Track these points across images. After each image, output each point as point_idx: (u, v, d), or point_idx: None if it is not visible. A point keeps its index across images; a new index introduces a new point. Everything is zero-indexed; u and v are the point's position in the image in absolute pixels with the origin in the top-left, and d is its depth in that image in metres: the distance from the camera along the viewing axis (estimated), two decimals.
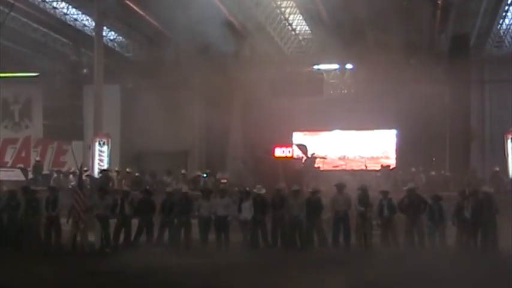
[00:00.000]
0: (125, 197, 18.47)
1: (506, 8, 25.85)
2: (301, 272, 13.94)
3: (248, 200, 18.26)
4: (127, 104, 30.67)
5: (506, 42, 29.00)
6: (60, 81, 30.42)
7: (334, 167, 28.89)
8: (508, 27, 28.03)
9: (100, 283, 13.25)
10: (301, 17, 27.38)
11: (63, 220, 18.18)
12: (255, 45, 28.22)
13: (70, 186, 22.27)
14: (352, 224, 17.92)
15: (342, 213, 17.90)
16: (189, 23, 21.08)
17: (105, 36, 28.73)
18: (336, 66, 30.43)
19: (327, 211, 18.22)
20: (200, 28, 21.36)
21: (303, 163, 25.75)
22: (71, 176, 24.61)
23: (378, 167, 26.86)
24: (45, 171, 26.77)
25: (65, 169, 26.63)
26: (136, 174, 24.83)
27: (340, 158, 30.08)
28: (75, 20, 27.95)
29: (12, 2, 21.94)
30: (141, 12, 25.51)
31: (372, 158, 29.65)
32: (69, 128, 29.41)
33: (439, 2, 23.63)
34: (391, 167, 26.51)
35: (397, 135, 29.78)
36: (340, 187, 18.36)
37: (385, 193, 18.25)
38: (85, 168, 22.53)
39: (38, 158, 29.14)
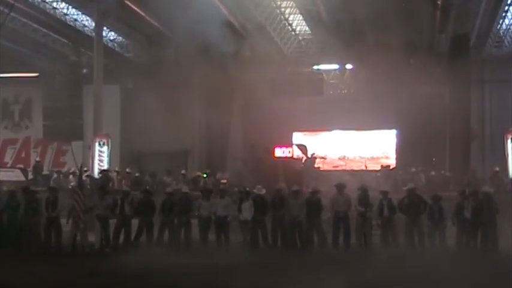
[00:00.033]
0: (125, 197, 18.47)
1: (506, 8, 25.85)
2: (301, 272, 13.94)
3: (248, 200, 18.26)
4: (127, 104, 30.68)
5: (506, 42, 29.00)
6: (60, 82, 30.41)
7: (334, 167, 28.88)
8: (508, 27, 28.03)
9: (100, 283, 13.25)
10: (301, 17, 27.38)
11: (63, 220, 18.17)
12: (255, 45, 28.21)
13: (70, 187, 22.30)
14: (352, 224, 17.92)
15: (342, 214, 17.90)
16: (189, 23, 21.07)
17: (105, 37, 28.72)
18: (335, 66, 30.44)
19: (326, 211, 18.22)
20: (200, 28, 21.35)
21: (303, 163, 25.74)
22: (70, 176, 24.63)
23: (378, 167, 26.87)
24: (45, 172, 26.82)
25: (64, 169, 26.66)
26: (136, 174, 24.85)
27: (340, 158, 30.08)
28: (75, 20, 27.93)
29: (12, 2, 21.94)
30: (141, 13, 25.51)
31: (372, 158, 29.66)
32: (69, 129, 29.41)
33: (439, 2, 23.62)
34: (391, 167, 26.52)
35: (397, 136, 29.79)
36: (340, 187, 18.37)
37: (385, 193, 18.25)
38: (85, 169, 22.53)
39: (37, 159, 29.17)
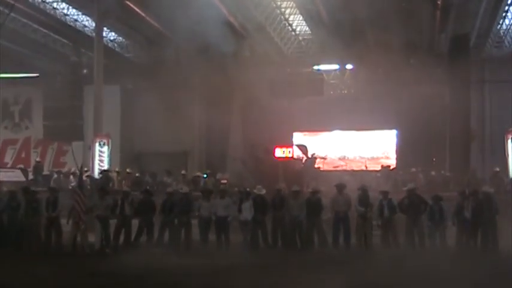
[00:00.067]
0: (125, 197, 18.47)
1: (506, 8, 25.84)
2: (301, 273, 13.95)
3: (248, 201, 18.26)
4: (127, 104, 30.71)
5: (506, 43, 29.00)
6: (60, 82, 30.38)
7: (334, 167, 28.89)
8: (508, 27, 28.02)
9: (100, 284, 13.25)
10: (301, 18, 27.38)
11: (63, 221, 18.18)
12: (255, 45, 28.23)
13: (70, 187, 22.30)
14: (353, 225, 17.92)
15: (342, 214, 17.90)
16: (189, 24, 21.08)
17: (105, 37, 28.73)
18: (336, 66, 30.45)
19: (327, 211, 18.22)
20: (200, 28, 21.36)
21: (303, 163, 25.76)
22: (71, 176, 24.62)
23: (378, 168, 26.87)
24: (46, 172, 26.81)
25: (65, 170, 26.66)
26: (137, 174, 24.86)
27: (340, 159, 30.09)
28: (76, 20, 27.93)
29: (13, 2, 21.95)
30: (141, 13, 25.52)
31: (372, 158, 29.66)
32: (69, 129, 29.36)
33: (439, 2, 23.63)
34: (391, 168, 26.51)
35: (397, 136, 29.79)
36: (340, 187, 18.37)
37: (385, 193, 18.25)
38: (85, 169, 22.54)
39: (38, 159, 29.16)
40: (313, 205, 18.10)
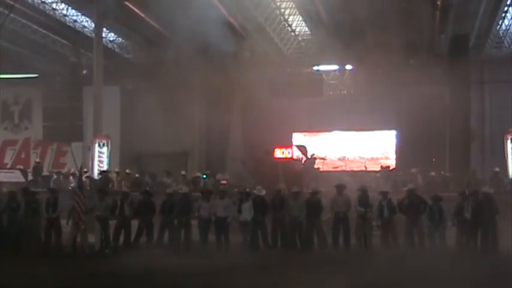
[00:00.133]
0: (124, 198, 18.46)
1: (506, 8, 25.85)
2: (301, 273, 13.94)
3: (248, 201, 18.25)
4: (127, 105, 30.70)
5: (506, 43, 29.01)
6: (59, 83, 30.42)
7: (334, 167, 28.88)
8: (508, 27, 28.03)
9: (100, 284, 13.26)
10: (300, 18, 27.38)
11: (63, 221, 18.17)
12: (254, 46, 28.23)
13: (70, 188, 22.29)
14: (352, 225, 17.91)
15: (342, 214, 17.89)
16: (188, 24, 21.08)
17: (105, 38, 28.72)
18: (335, 67, 30.45)
19: (326, 212, 18.21)
20: (200, 29, 21.36)
21: (303, 164, 25.73)
22: (70, 177, 24.61)
23: (378, 168, 26.84)
24: (45, 173, 26.79)
25: (64, 170, 26.66)
26: (136, 175, 24.84)
27: (340, 159, 30.08)
28: (75, 21, 27.91)
29: (12, 3, 21.94)
30: (140, 14, 25.51)
31: (372, 158, 29.64)
32: (68, 129, 29.41)
33: (439, 2, 23.63)
34: (391, 168, 26.49)
35: (397, 136, 29.78)
36: (340, 188, 18.36)
37: (384, 194, 18.25)
38: (85, 170, 22.53)
39: (37, 160, 29.15)
40: (313, 206, 18.09)
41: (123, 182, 24.23)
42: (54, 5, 26.49)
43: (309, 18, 26.40)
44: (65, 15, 27.34)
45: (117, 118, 29.99)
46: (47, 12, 26.49)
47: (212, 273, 14.07)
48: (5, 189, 20.20)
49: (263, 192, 18.46)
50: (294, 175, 22.67)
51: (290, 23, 28.05)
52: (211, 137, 30.06)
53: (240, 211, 18.18)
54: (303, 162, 26.06)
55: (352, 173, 26.49)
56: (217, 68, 25.57)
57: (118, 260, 15.94)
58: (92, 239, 18.23)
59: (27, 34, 28.06)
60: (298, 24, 28.30)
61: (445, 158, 27.85)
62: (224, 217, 18.13)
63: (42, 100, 31.48)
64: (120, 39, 30.60)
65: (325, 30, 25.81)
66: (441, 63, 27.66)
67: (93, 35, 27.04)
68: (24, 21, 27.00)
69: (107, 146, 26.00)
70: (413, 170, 24.57)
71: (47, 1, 26.09)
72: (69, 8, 27.05)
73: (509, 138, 24.48)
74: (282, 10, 26.66)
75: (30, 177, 26.14)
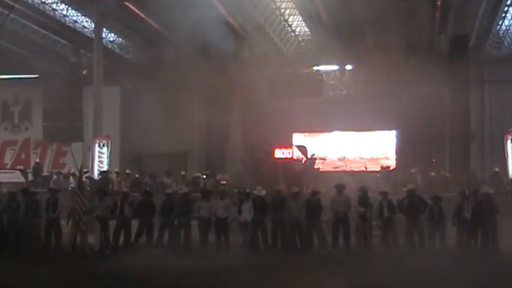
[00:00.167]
0: (124, 198, 18.46)
1: (506, 8, 25.86)
2: (301, 273, 13.93)
3: (248, 202, 18.24)
4: (127, 105, 30.71)
5: (506, 43, 29.02)
6: (59, 83, 30.39)
7: (334, 168, 28.88)
8: (507, 28, 28.05)
9: (100, 285, 13.26)
10: (300, 18, 27.39)
11: (63, 222, 18.16)
12: (254, 46, 28.24)
13: (70, 188, 22.29)
14: (352, 225, 17.91)
15: (342, 214, 17.89)
16: (188, 24, 21.08)
17: (105, 38, 28.72)
18: (335, 67, 30.45)
19: (326, 212, 18.21)
20: (199, 29, 21.36)
21: (303, 164, 25.71)
22: (70, 177, 24.61)
23: (378, 168, 26.84)
24: (45, 173, 26.78)
25: (64, 171, 26.64)
26: (136, 175, 24.83)
27: (340, 159, 30.08)
28: (75, 21, 27.93)
29: (12, 3, 21.94)
30: (140, 14, 25.52)
31: (372, 159, 29.65)
32: (68, 130, 29.38)
33: (439, 2, 23.64)
34: (391, 168, 26.49)
35: (397, 136, 29.79)
36: (340, 188, 18.35)
37: (384, 194, 18.25)
38: (85, 170, 22.52)
39: (37, 160, 29.15)
40: (313, 206, 18.09)
41: (123, 182, 24.24)
42: (54, 6, 26.50)
43: (309, 18, 26.41)
44: (65, 16, 27.35)
45: (117, 118, 30.00)
46: (47, 12, 26.50)
47: (212, 273, 14.07)
48: (5, 190, 20.20)
49: (263, 193, 18.46)
50: (294, 175, 22.66)
51: (290, 23, 28.06)
52: (211, 137, 30.04)
53: (240, 211, 18.18)
54: (303, 162, 26.04)
55: (352, 173, 26.47)
56: (217, 68, 25.56)
57: (118, 260, 15.94)
58: (91, 239, 18.22)
59: (27, 34, 28.07)
60: (298, 24, 28.31)
61: (445, 158, 27.84)
62: (224, 217, 18.12)
63: (42, 100, 31.46)
64: (120, 39, 30.61)
65: (325, 31, 25.81)
66: (441, 63, 27.65)
67: (93, 35, 27.04)
68: (24, 21, 27.01)
69: (107, 146, 26.00)
70: (413, 170, 24.55)
71: (47, 1, 26.10)
72: (69, 8, 27.06)
73: (509, 138, 24.47)
74: (282, 10, 26.67)
75: (30, 177, 26.14)
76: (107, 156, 25.94)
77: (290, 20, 27.76)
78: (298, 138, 29.76)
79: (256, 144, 26.07)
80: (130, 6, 24.81)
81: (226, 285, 13.06)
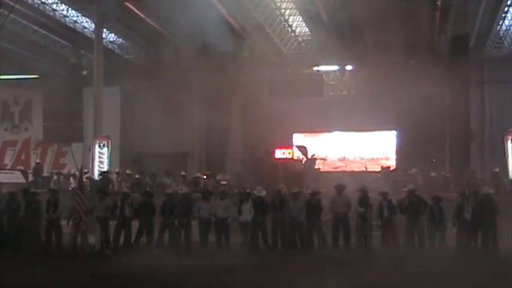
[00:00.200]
0: (125, 198, 18.45)
1: (506, 9, 25.86)
2: (301, 273, 13.92)
3: (248, 202, 18.23)
4: (127, 105, 30.73)
5: (506, 43, 29.03)
6: (60, 83, 30.42)
7: (334, 168, 28.89)
8: (508, 28, 28.05)
9: (100, 285, 13.26)
10: (300, 18, 27.40)
11: (63, 222, 18.17)
12: (254, 46, 28.24)
13: (70, 188, 22.30)
14: (352, 225, 17.91)
15: (342, 215, 17.87)
16: (188, 24, 21.09)
17: (105, 38, 28.74)
18: (335, 67, 30.48)
19: (326, 212, 18.20)
20: (199, 29, 21.36)
21: (303, 164, 25.71)
22: (71, 178, 24.61)
23: (378, 168, 26.84)
24: (45, 174, 26.80)
25: (65, 171, 26.64)
26: (136, 176, 24.83)
27: (340, 159, 30.10)
28: (75, 22, 27.94)
29: (12, 4, 21.95)
30: (140, 14, 25.53)
31: (372, 159, 29.67)
32: (69, 130, 29.41)
33: (439, 2, 23.64)
34: (391, 168, 26.49)
35: (397, 136, 29.80)
36: (340, 188, 18.34)
37: (384, 194, 18.24)
38: (85, 170, 22.53)
39: (38, 160, 29.14)
40: (313, 206, 18.07)
41: (123, 183, 24.24)
42: (54, 6, 26.52)
43: (309, 18, 26.43)
44: (65, 16, 27.36)
45: (117, 119, 30.02)
46: (47, 13, 26.51)
47: (212, 273, 14.07)
48: (5, 190, 20.20)
49: (263, 193, 18.45)
50: (294, 176, 22.66)
51: (290, 23, 28.08)
52: (211, 138, 30.05)
53: (240, 212, 18.17)
54: (303, 162, 26.05)
55: (353, 173, 26.52)
56: (217, 68, 25.56)
57: (118, 260, 15.91)
58: (92, 239, 18.21)
59: (28, 35, 28.09)
60: (298, 24, 28.33)
61: (445, 158, 27.85)
62: (224, 218, 18.12)
63: (43, 101, 31.48)
64: (120, 39, 30.63)
65: (325, 31, 25.84)
66: (441, 63, 27.66)
67: (93, 35, 27.07)
68: (25, 22, 27.03)
69: (107, 146, 26.01)
70: (413, 171, 24.57)
71: (47, 2, 26.11)
72: (70, 8, 27.08)
73: (509, 138, 24.49)
74: (282, 10, 26.69)
75: (30, 178, 26.14)
76: (107, 156, 25.96)
77: (290, 20, 27.78)
78: (298, 139, 29.77)
79: (256, 145, 26.07)
80: (131, 7, 24.83)
81: (227, 286, 13.05)
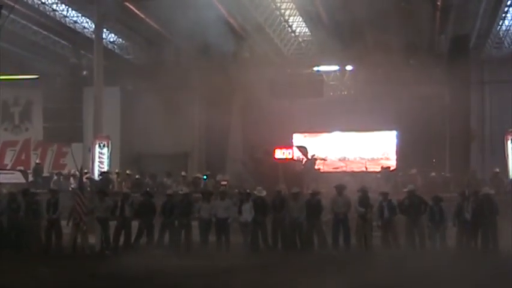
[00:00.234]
0: (125, 199, 18.45)
1: (506, 9, 25.86)
2: (301, 274, 13.93)
3: (248, 202, 18.23)
4: (127, 106, 30.72)
5: (506, 43, 29.03)
6: (60, 84, 30.42)
7: (334, 168, 28.85)
8: (508, 28, 28.05)
9: (100, 285, 13.27)
10: (300, 19, 27.40)
11: (63, 222, 18.16)
12: (254, 46, 28.24)
13: (70, 189, 22.29)
14: (352, 226, 17.90)
15: (342, 215, 17.87)
16: (188, 25, 21.09)
17: (105, 39, 28.74)
18: (335, 67, 30.48)
19: (326, 213, 18.20)
20: (200, 29, 21.36)
21: (303, 165, 25.71)
22: (71, 178, 24.59)
23: (378, 169, 26.82)
24: (45, 174, 26.77)
25: (65, 171, 26.62)
26: (137, 176, 24.82)
27: (340, 160, 30.08)
28: (75, 22, 27.94)
29: (12, 4, 21.94)
30: (140, 15, 25.53)
31: (372, 159, 29.65)
32: (69, 130, 29.40)
33: (439, 3, 23.64)
34: (392, 169, 26.47)
35: (397, 137, 29.78)
36: (340, 189, 18.33)
37: (385, 194, 18.23)
38: (85, 171, 22.52)
39: (38, 161, 29.11)
40: (313, 206, 18.07)
41: (123, 183, 24.23)
42: (54, 6, 26.51)
43: (309, 18, 26.43)
44: (65, 16, 27.36)
45: (117, 119, 30.01)
46: (47, 13, 26.50)
47: (213, 274, 14.07)
48: (5, 191, 20.19)
49: (263, 193, 18.45)
50: (294, 176, 22.66)
51: (290, 23, 28.08)
52: (211, 138, 30.05)
53: (240, 212, 18.17)
54: (303, 163, 26.04)
55: (353, 173, 26.48)
56: (217, 69, 25.58)
57: (118, 261, 15.91)
58: (92, 240, 18.21)
59: (28, 35, 28.07)
60: (298, 25, 28.33)
61: (445, 158, 27.85)
62: (224, 218, 18.12)
63: (43, 101, 31.47)
64: (120, 40, 30.63)
65: (325, 31, 25.84)
66: (441, 63, 27.67)
67: (93, 36, 27.07)
68: (25, 22, 27.01)
69: (107, 146, 26.02)
70: (413, 171, 24.53)
71: (47, 2, 26.10)
72: (70, 9, 27.08)
73: (509, 139, 24.49)
74: (282, 11, 26.69)
75: (30, 178, 26.12)
76: (107, 156, 25.97)
77: (290, 20, 27.78)
78: (298, 139, 29.75)
79: (257, 145, 26.05)
80: (131, 7, 24.84)
81: (227, 286, 13.06)
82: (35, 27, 27.87)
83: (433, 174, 24.32)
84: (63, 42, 29.73)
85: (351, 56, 27.53)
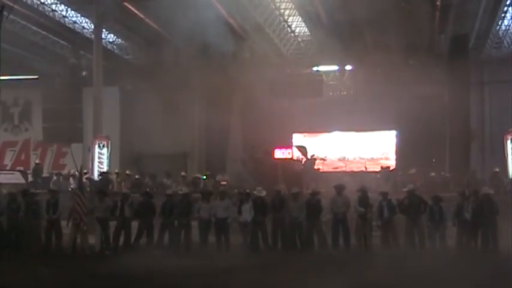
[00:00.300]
0: (124, 199, 18.45)
1: (505, 9, 25.86)
2: (301, 274, 13.93)
3: (248, 202, 18.23)
4: (126, 106, 30.73)
5: (506, 43, 29.02)
6: (59, 84, 30.42)
7: (334, 168, 28.84)
8: (507, 28, 28.05)
9: (100, 285, 13.26)
10: (300, 19, 27.40)
11: (63, 223, 18.16)
12: (254, 46, 28.25)
13: (70, 189, 22.29)
14: (352, 226, 17.90)
15: (341, 215, 17.87)
16: (188, 25, 21.09)
17: (104, 39, 28.74)
18: (335, 67, 30.47)
19: (326, 213, 18.19)
20: (199, 29, 21.37)
21: (303, 165, 25.73)
22: (70, 178, 24.60)
23: (378, 169, 26.84)
24: (45, 174, 26.79)
25: (64, 172, 26.64)
26: (136, 176, 24.81)
27: (340, 160, 30.07)
28: (74, 22, 27.94)
29: (12, 4, 21.94)
30: (140, 15, 25.54)
31: (372, 159, 29.65)
32: (68, 131, 29.40)
33: (438, 2, 23.65)
34: (391, 169, 26.48)
35: (397, 136, 29.78)
36: (339, 189, 18.33)
37: (384, 194, 18.23)
38: (85, 171, 22.52)
39: (37, 161, 29.13)
40: (313, 206, 18.07)
41: (123, 183, 24.23)
42: (53, 6, 26.50)
43: (309, 18, 26.43)
44: (65, 17, 27.36)
45: (116, 119, 30.03)
46: (47, 13, 26.51)
47: (212, 274, 14.07)
48: (5, 191, 20.18)
49: (263, 193, 18.44)
50: (294, 176, 22.67)
51: (290, 23, 28.07)
52: (211, 138, 30.05)
53: (240, 212, 18.17)
54: (303, 162, 26.05)
55: (352, 173, 26.47)
56: (217, 69, 25.57)
57: (118, 261, 15.92)
58: (92, 240, 18.20)
59: (27, 35, 28.06)
60: (297, 24, 28.33)
61: (445, 158, 27.84)
62: (224, 218, 18.12)
63: (42, 101, 31.48)
64: (119, 40, 30.63)
65: (325, 31, 25.84)
66: (441, 63, 27.67)
67: (93, 36, 27.07)
68: (24, 22, 27.01)
69: (107, 147, 26.02)
70: (413, 171, 24.54)
71: (46, 2, 26.09)
72: (69, 9, 27.08)
73: (509, 138, 24.49)
74: (282, 11, 26.69)
75: (30, 178, 26.12)
76: (107, 157, 25.97)
77: (290, 20, 27.78)
78: (298, 139, 29.76)
79: (256, 145, 26.07)
80: (130, 7, 24.85)
81: (227, 286, 13.06)
82: (34, 28, 27.87)
83: (433, 174, 24.31)
84: (62, 42, 29.74)
85: (350, 56, 27.55)
